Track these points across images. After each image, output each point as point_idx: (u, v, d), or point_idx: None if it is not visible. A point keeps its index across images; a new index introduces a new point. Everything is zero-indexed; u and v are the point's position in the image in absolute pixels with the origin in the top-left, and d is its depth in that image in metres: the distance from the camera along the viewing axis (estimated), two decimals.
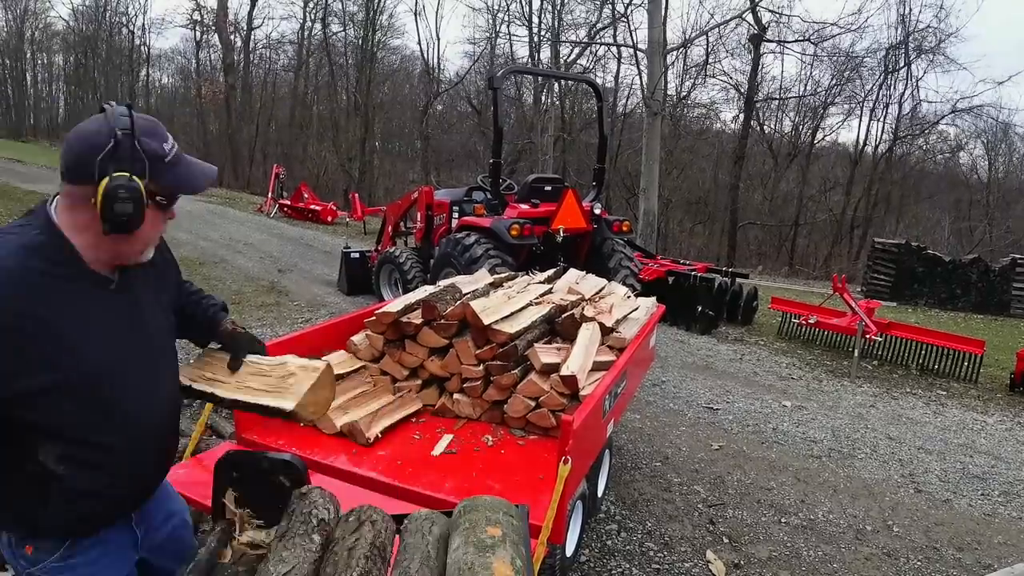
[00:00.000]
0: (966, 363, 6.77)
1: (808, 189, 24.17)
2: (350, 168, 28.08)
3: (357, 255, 8.42)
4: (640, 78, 17.71)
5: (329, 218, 16.51)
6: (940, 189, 24.83)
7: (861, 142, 24.35)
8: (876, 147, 23.68)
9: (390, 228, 8.42)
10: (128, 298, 1.40)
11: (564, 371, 2.80)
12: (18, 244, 1.22)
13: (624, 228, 7.08)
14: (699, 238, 25.68)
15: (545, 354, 2.93)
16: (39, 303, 1.21)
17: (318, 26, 30.26)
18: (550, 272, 4.38)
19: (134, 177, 1.23)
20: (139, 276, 1.43)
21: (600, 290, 4.06)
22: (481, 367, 2.93)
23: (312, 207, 16.77)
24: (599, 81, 17.96)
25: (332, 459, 2.50)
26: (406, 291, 6.54)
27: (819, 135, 24.67)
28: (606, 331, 3.26)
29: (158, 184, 1.29)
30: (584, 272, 4.51)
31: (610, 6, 21.43)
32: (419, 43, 45.10)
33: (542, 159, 21.48)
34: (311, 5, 30.17)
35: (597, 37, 22.87)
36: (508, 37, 26.20)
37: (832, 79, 23.06)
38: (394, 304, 3.20)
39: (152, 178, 1.26)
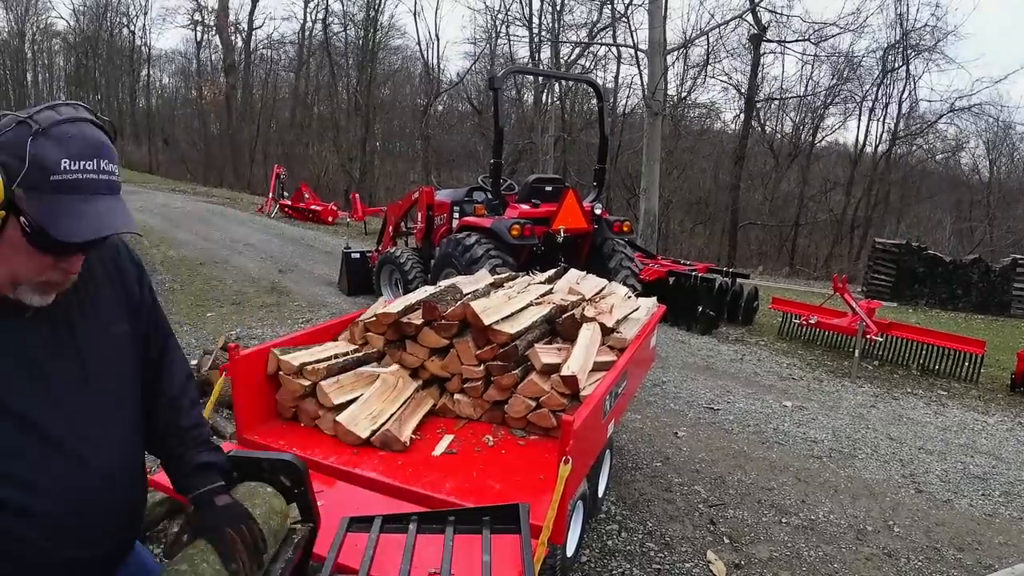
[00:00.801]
0: (967, 363, 6.76)
1: (808, 189, 24.17)
2: (351, 168, 28.11)
3: (358, 255, 8.43)
4: (640, 78, 17.69)
5: (330, 218, 16.53)
6: (941, 189, 24.81)
7: (861, 142, 24.42)
8: (876, 147, 23.74)
9: (391, 228, 8.43)
10: (52, 328, 1.09)
11: (565, 371, 2.80)
12: None
13: (625, 228, 7.08)
14: (700, 238, 25.69)
15: (546, 354, 2.93)
16: None
17: (319, 26, 30.31)
18: (551, 272, 4.38)
19: None
20: (76, 300, 1.13)
21: (601, 290, 4.06)
22: (482, 367, 2.93)
23: (313, 207, 16.79)
24: (599, 81, 17.95)
25: (332, 459, 2.50)
26: (407, 291, 6.54)
27: (819, 135, 24.73)
28: (607, 331, 3.26)
29: (28, 198, 0.95)
30: (585, 272, 4.51)
31: (610, 6, 21.45)
32: (419, 43, 45.27)
33: (543, 159, 21.48)
34: (312, 5, 30.24)
35: (597, 37, 22.88)
36: (508, 37, 26.25)
37: (833, 78, 23.11)
38: (395, 304, 3.21)
39: (23, 187, 0.94)
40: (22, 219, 0.96)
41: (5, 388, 1.02)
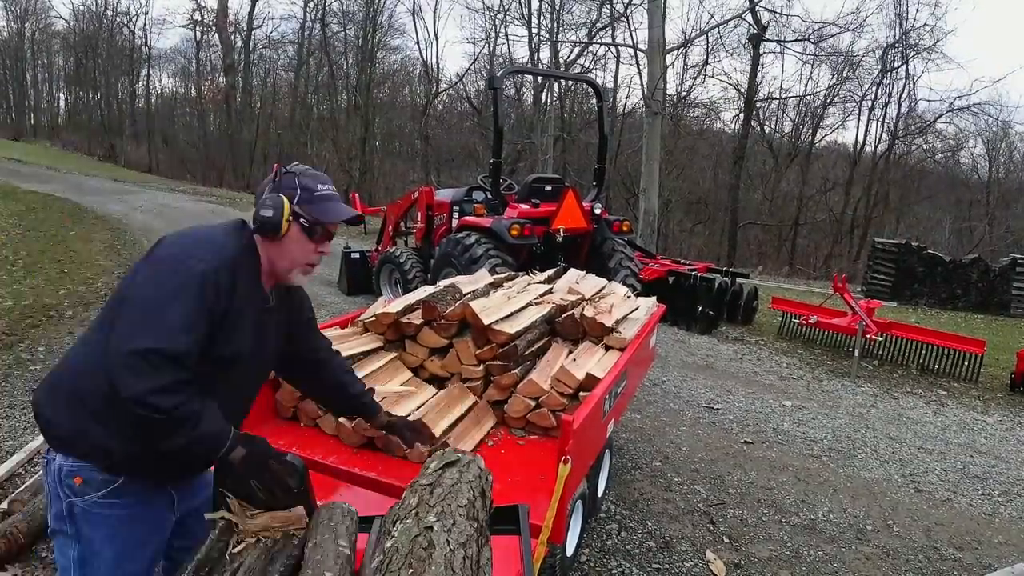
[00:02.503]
0: (966, 363, 6.77)
1: (808, 189, 24.17)
2: (350, 168, 28.08)
3: (357, 255, 8.43)
4: (640, 78, 17.73)
5: None
6: (940, 189, 24.82)
7: (860, 142, 24.42)
8: (875, 147, 23.74)
9: (390, 228, 8.43)
10: (272, 318, 1.73)
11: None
12: (237, 244, 1.59)
13: (624, 228, 7.08)
14: (699, 238, 25.67)
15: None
16: (235, 293, 1.54)
17: (318, 26, 30.29)
18: (550, 272, 4.38)
19: (281, 195, 1.62)
20: (282, 307, 1.78)
21: (600, 290, 4.06)
22: (481, 367, 2.93)
23: None
24: (599, 81, 17.96)
25: (332, 459, 2.50)
26: (406, 291, 6.54)
27: (819, 135, 24.73)
28: (606, 331, 3.26)
29: (303, 209, 1.64)
30: (584, 272, 4.51)
31: (609, 6, 21.43)
32: (418, 43, 45.25)
33: (542, 159, 21.48)
34: (311, 5, 30.21)
35: (596, 37, 22.87)
36: (507, 37, 26.24)
37: (832, 78, 23.12)
38: (394, 304, 3.20)
39: (300, 203, 1.64)
40: (301, 220, 1.64)
41: (249, 345, 1.62)
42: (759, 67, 22.35)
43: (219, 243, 1.57)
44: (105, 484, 1.51)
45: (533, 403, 2.85)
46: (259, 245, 1.65)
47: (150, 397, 1.35)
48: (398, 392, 2.76)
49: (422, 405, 2.71)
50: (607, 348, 3.21)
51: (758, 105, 23.46)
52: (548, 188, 6.86)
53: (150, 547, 1.63)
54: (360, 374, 2.82)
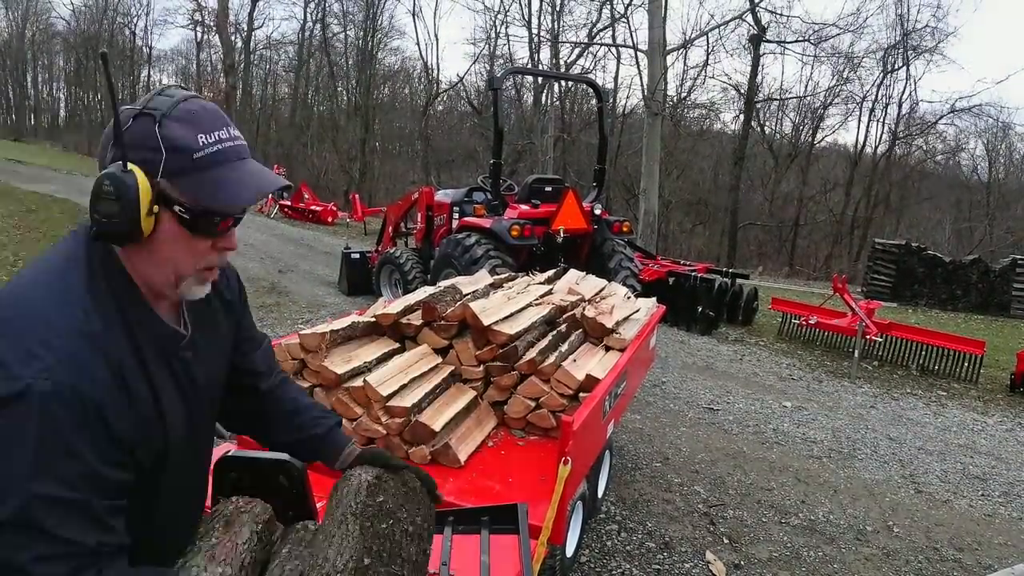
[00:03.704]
0: (966, 364, 6.77)
1: (808, 190, 24.19)
2: (350, 169, 28.10)
3: (357, 256, 8.43)
4: (640, 78, 17.75)
5: (329, 219, 16.54)
6: (940, 190, 24.85)
7: (861, 142, 24.44)
8: (876, 147, 23.76)
9: (390, 229, 8.43)
10: (193, 359, 1.09)
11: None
12: (85, 299, 0.92)
13: (624, 229, 7.08)
14: (699, 239, 25.68)
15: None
16: (123, 377, 0.93)
17: (318, 27, 30.33)
18: (550, 273, 4.37)
19: (134, 168, 0.90)
20: (204, 327, 1.13)
21: (600, 291, 4.07)
22: (481, 368, 2.93)
23: (312, 208, 16.79)
24: (599, 82, 17.96)
25: None
26: (406, 292, 6.54)
27: (819, 136, 24.76)
28: (607, 332, 3.26)
29: (175, 186, 0.93)
30: (584, 273, 4.52)
31: (610, 7, 21.46)
32: (418, 44, 45.34)
33: (542, 160, 21.47)
34: (311, 6, 30.25)
35: (597, 38, 22.89)
36: (507, 38, 26.27)
37: (833, 79, 23.15)
38: (394, 305, 3.20)
39: (168, 176, 0.92)
40: (176, 208, 0.94)
41: (182, 419, 1.05)
42: (759, 68, 22.38)
43: (57, 320, 0.88)
44: None
45: (533, 404, 2.85)
46: (120, 257, 0.98)
47: None
48: None
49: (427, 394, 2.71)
50: (607, 349, 3.22)
51: (758, 106, 23.47)
52: (548, 189, 6.86)
53: None
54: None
